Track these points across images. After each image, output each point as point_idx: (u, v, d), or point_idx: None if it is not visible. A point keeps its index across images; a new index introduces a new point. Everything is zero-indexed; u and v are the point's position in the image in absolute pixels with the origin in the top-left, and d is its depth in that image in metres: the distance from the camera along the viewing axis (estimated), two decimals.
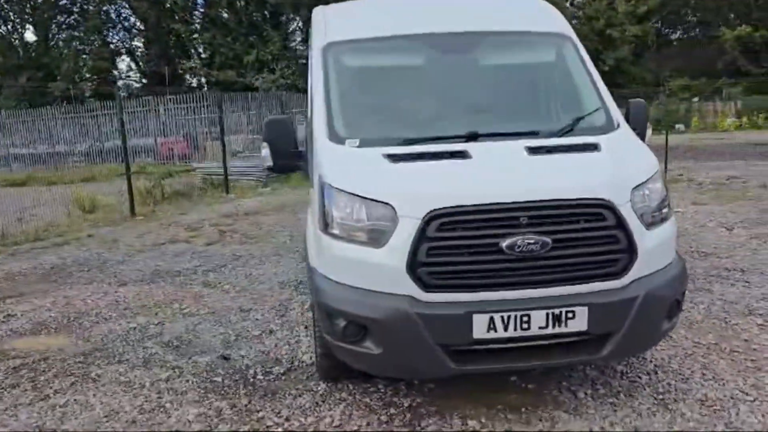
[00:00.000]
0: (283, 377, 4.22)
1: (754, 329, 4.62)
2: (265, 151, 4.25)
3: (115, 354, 4.77)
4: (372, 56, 4.50)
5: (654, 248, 3.37)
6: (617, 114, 4.12)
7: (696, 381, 3.87)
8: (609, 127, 3.98)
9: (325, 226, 3.52)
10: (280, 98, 23.47)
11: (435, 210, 3.19)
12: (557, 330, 3.22)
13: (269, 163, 4.26)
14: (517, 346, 3.27)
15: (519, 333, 3.20)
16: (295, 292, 6.17)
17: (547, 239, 3.16)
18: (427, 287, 3.19)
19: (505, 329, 3.19)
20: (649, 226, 3.38)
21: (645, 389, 3.79)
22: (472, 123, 4.02)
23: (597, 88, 4.29)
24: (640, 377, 3.94)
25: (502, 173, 3.44)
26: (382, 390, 3.93)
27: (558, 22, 4.76)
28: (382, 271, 3.27)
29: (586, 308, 3.21)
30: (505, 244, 3.14)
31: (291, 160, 4.25)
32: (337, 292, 3.41)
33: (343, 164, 3.66)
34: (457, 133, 3.82)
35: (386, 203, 3.30)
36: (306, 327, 5.13)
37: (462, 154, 3.55)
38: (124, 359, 4.65)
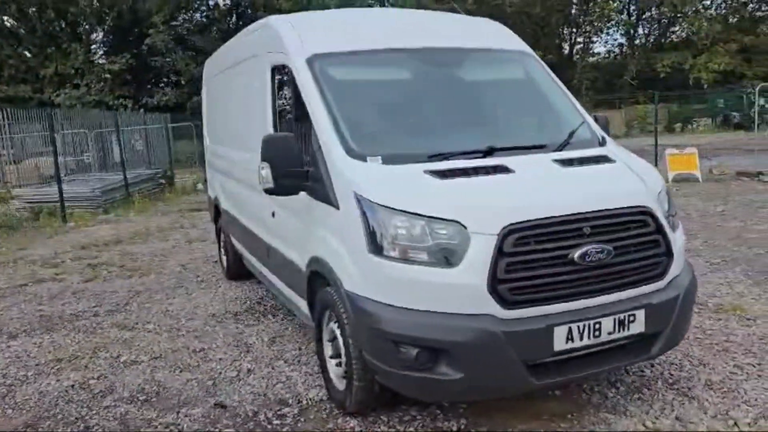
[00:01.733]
0: (302, 418, 3.84)
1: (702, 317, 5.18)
2: (265, 171, 3.85)
3: (70, 420, 3.97)
4: (363, 69, 4.34)
5: (679, 249, 3.64)
6: (596, 127, 4.40)
7: (690, 368, 4.24)
8: (598, 139, 4.23)
9: (377, 248, 3.28)
10: (106, 116, 21.30)
11: (511, 225, 3.14)
12: (621, 334, 3.34)
13: (269, 184, 3.87)
14: (584, 354, 3.32)
15: (591, 341, 3.26)
16: (241, 325, 5.65)
17: (610, 247, 3.26)
18: (507, 304, 3.13)
19: (581, 338, 3.23)
20: (672, 229, 3.64)
21: (657, 382, 4.06)
22: (481, 137, 4.04)
23: (573, 103, 4.56)
24: (644, 372, 4.22)
25: (555, 186, 3.50)
26: (419, 417, 3.76)
27: (518, 41, 4.98)
28: (458, 292, 3.13)
29: (643, 310, 3.36)
30: (576, 254, 3.18)
31: (295, 180, 3.90)
32: (403, 318, 3.20)
33: (387, 183, 3.46)
34: (476, 148, 3.80)
35: (454, 221, 3.17)
36: (286, 361, 4.72)
37: (504, 169, 3.55)
38: (92, 425, 3.89)
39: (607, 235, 3.30)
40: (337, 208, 3.61)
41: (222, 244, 7.55)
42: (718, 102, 33.27)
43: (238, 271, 7.22)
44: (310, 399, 4.07)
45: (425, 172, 3.49)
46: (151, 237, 10.85)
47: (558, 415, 3.69)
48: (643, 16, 39.71)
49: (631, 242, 3.38)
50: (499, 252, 3.11)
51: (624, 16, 39.22)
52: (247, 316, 5.93)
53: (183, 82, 34.24)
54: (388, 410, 3.81)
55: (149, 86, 36.18)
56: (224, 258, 7.51)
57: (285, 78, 4.57)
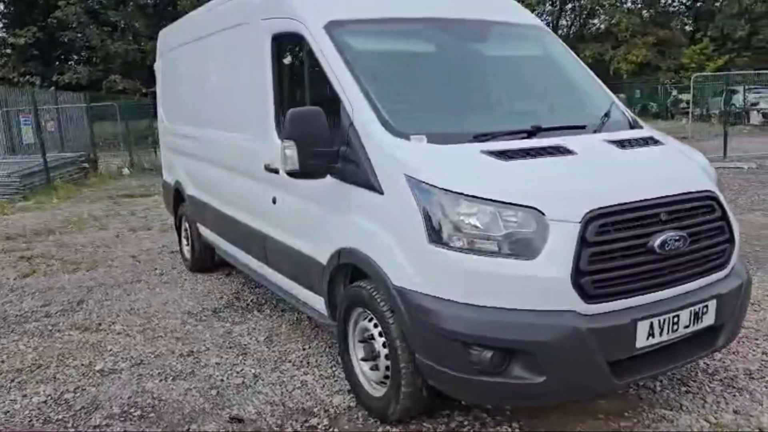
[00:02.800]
0: (335, 429, 3.41)
1: None
2: (290, 151, 3.36)
3: None
4: (386, 40, 3.93)
5: (738, 236, 3.47)
6: (624, 108, 4.19)
7: (721, 357, 4.13)
8: (629, 120, 4.01)
9: (439, 238, 2.90)
10: (12, 93, 19.49)
11: (593, 211, 2.84)
12: (695, 327, 3.13)
13: (293, 166, 3.39)
14: (658, 349, 3.08)
15: (670, 335, 3.03)
16: (226, 323, 5.10)
17: (685, 234, 3.03)
18: (589, 298, 2.83)
19: (661, 333, 2.99)
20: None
21: (697, 374, 3.92)
22: (521, 116, 3.74)
23: (598, 82, 4.33)
24: None
25: (624, 169, 3.24)
26: (467, 423, 3.42)
27: (531, 16, 4.72)
28: (538, 286, 2.81)
29: (714, 301, 3.17)
30: (657, 242, 2.93)
31: (324, 161, 3.43)
32: (475, 316, 2.84)
33: (445, 164, 3.07)
34: (521, 127, 3.48)
35: (530, 207, 2.83)
36: (293, 364, 4.25)
37: (566, 150, 3.24)
38: None
39: (681, 222, 3.06)
40: (380, 192, 3.19)
41: (184, 233, 6.89)
42: (636, 93, 34.73)
43: (203, 263, 6.62)
44: (337, 407, 3.64)
45: (483, 152, 3.13)
46: (86, 225, 9.91)
47: (613, 413, 3.45)
48: (566, 7, 40.81)
49: (701, 228, 3.16)
50: (584, 241, 2.80)
51: (548, 7, 40.14)
52: (230, 312, 5.38)
53: (97, 60, 32.12)
54: (429, 416, 3.45)
55: (58, 63, 33.70)
56: (186, 249, 6.86)
57: (294, 48, 4.08)
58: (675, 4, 38.79)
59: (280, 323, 5.05)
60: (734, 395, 3.63)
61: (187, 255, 6.85)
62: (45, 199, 13.00)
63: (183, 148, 6.42)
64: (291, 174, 3.45)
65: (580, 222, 2.80)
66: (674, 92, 32.91)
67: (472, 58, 4.06)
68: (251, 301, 5.67)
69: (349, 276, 3.68)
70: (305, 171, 3.41)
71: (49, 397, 3.92)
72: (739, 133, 20.52)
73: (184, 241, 6.94)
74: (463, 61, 4.00)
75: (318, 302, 3.96)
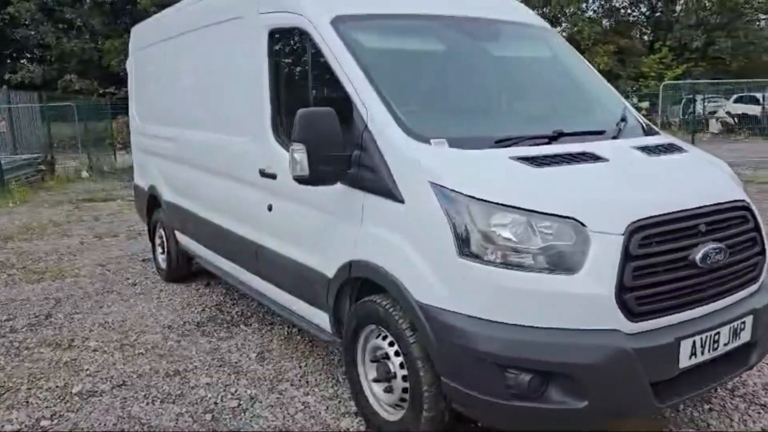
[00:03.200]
0: None
1: None
2: (300, 155, 3.09)
3: None
4: (395, 37, 3.71)
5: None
6: (635, 112, 4.05)
7: None
8: (642, 126, 3.87)
9: (470, 251, 2.67)
10: None
11: (636, 222, 2.65)
12: (733, 344, 2.97)
13: (303, 171, 3.11)
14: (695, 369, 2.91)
15: (710, 354, 2.86)
16: (212, 338, 4.76)
17: (723, 245, 2.88)
18: (633, 316, 2.63)
19: (702, 352, 2.82)
20: None
21: (718, 390, 3.76)
22: (540, 120, 3.56)
23: (609, 86, 4.19)
24: None
25: (659, 177, 3.08)
26: None
27: (536, 16, 4.56)
28: (580, 303, 2.60)
29: (751, 316, 3.02)
30: (698, 255, 2.76)
31: (336, 166, 3.17)
32: (513, 337, 2.62)
33: (474, 171, 2.85)
34: (542, 132, 3.29)
35: (570, 218, 2.63)
36: (291, 383, 3.95)
37: (596, 157, 3.06)
38: None
39: (719, 233, 2.91)
40: (400, 201, 2.95)
41: (159, 241, 6.50)
42: None
43: (180, 273, 6.26)
44: None
45: (512, 158, 2.92)
46: (47, 232, 9.37)
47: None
48: None
49: (738, 240, 3.02)
50: (625, 254, 2.61)
51: None
52: (214, 326, 5.04)
53: (52, 58, 30.96)
54: None
55: (10, 61, 32.39)
56: (162, 258, 6.47)
57: (295, 44, 3.80)
58: (635, 14, 39.62)
59: (270, 338, 4.74)
60: (759, 412, 3.50)
61: (163, 264, 6.47)
62: (1, 202, 12.33)
63: (160, 151, 6.05)
64: (299, 180, 3.17)
65: (623, 234, 2.61)
66: (635, 99, 33.56)
67: (486, 58, 3.86)
68: (236, 313, 5.34)
69: (356, 290, 3.43)
70: (315, 177, 3.14)
71: (24, 425, 3.55)
72: (699, 141, 20.95)
73: (159, 250, 6.56)
74: (477, 62, 3.80)
75: (320, 318, 3.69)
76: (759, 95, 25.29)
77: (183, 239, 5.84)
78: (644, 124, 3.90)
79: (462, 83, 3.65)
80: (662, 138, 3.68)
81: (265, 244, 4.15)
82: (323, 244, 3.51)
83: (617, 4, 38.84)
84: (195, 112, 5.10)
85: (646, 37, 38.51)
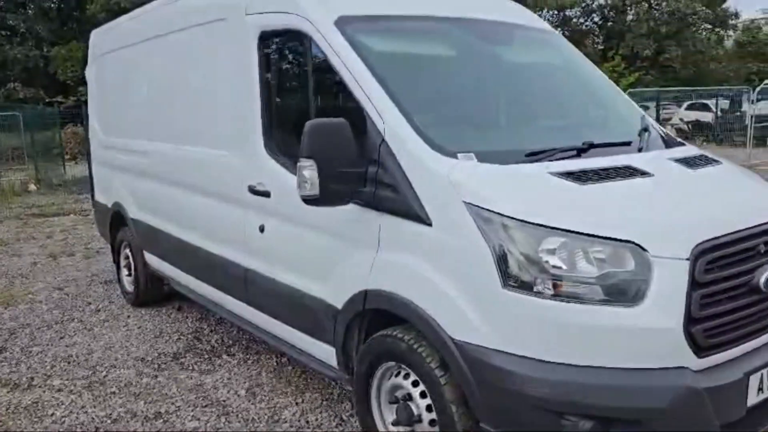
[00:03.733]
0: None
1: None
2: (309, 172, 2.71)
3: None
4: (404, 40, 3.40)
5: None
6: (653, 121, 3.82)
7: None
8: (662, 135, 3.64)
9: (516, 281, 2.35)
10: None
11: (702, 244, 2.37)
12: None
13: (312, 191, 2.73)
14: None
15: None
16: (193, 372, 4.30)
17: None
18: (701, 350, 2.35)
19: None
20: None
21: None
22: (567, 131, 3.29)
23: (623, 94, 3.95)
24: None
25: (710, 193, 2.82)
26: None
27: (542, 21, 4.30)
28: (643, 339, 2.31)
29: None
30: (762, 279, 2.50)
31: (350, 184, 2.80)
32: (567, 379, 2.31)
33: (513, 189, 2.54)
34: (571, 144, 3.01)
35: (627, 241, 2.33)
36: (291, 424, 3.55)
37: (639, 171, 2.79)
38: None
39: None
40: (427, 223, 2.60)
41: (125, 262, 5.98)
42: None
43: (149, 296, 5.76)
44: None
45: (553, 174, 2.61)
46: None
47: None
48: None
49: None
50: (692, 281, 2.33)
51: None
52: (193, 357, 4.58)
53: None
54: None
55: None
56: (128, 280, 5.95)
57: (292, 48, 3.43)
58: (587, 23, 40.36)
59: (258, 370, 4.31)
60: None
61: (129, 287, 5.94)
62: None
63: (127, 165, 5.55)
64: (308, 200, 2.79)
65: (689, 258, 2.33)
66: None
67: (502, 64, 3.57)
68: (216, 341, 4.88)
69: (367, 321, 3.06)
70: (327, 196, 2.76)
71: None
72: None
73: (125, 271, 6.04)
74: (494, 68, 3.51)
75: (324, 352, 3.31)
76: (709, 102, 25.96)
77: (153, 260, 5.35)
78: (663, 133, 3.67)
79: (480, 91, 3.35)
80: (690, 148, 3.45)
81: (255, 268, 3.74)
82: (330, 271, 3.13)
83: (570, 14, 39.52)
84: (170, 123, 4.65)
85: (598, 46, 39.24)
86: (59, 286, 6.70)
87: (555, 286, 2.33)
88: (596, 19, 40.20)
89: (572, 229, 2.34)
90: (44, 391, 4.12)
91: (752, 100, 18.25)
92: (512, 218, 2.38)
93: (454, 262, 2.51)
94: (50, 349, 4.89)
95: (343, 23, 3.11)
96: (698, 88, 27.74)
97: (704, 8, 35.27)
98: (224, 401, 3.86)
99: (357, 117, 2.89)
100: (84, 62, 6.73)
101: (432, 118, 2.91)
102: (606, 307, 2.31)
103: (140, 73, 5.18)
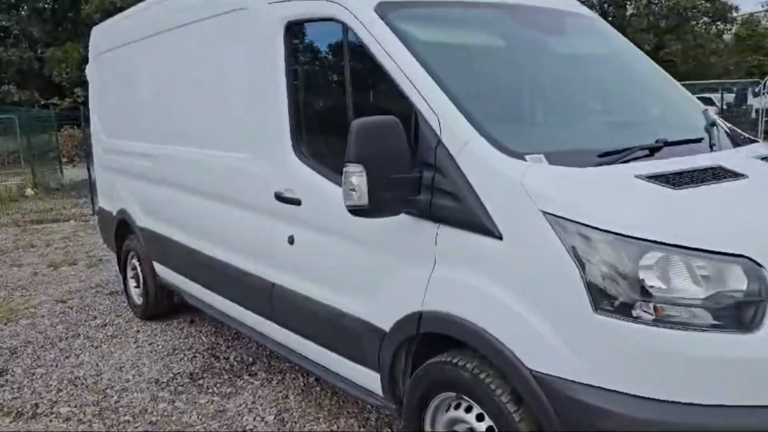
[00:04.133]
0: None
1: None
2: (358, 179, 2.36)
3: None
4: (453, 29, 3.03)
5: None
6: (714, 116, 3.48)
7: None
8: (729, 130, 3.30)
9: (612, 305, 2.00)
10: None
11: None
12: None
13: (362, 200, 2.39)
14: None
15: None
16: (214, 396, 3.96)
17: None
18: None
19: None
20: None
21: None
22: (635, 128, 2.94)
23: (679, 85, 3.61)
24: None
25: None
26: None
27: (582, 6, 3.95)
28: (762, 372, 1.96)
29: None
30: None
31: (403, 192, 2.46)
32: (675, 418, 1.97)
33: (602, 196, 2.19)
34: (643, 142, 2.66)
35: (739, 256, 2.00)
36: None
37: (732, 173, 2.45)
38: None
39: None
40: (497, 236, 2.26)
41: (132, 273, 5.63)
42: None
43: (159, 309, 5.41)
44: None
45: (640, 177, 2.27)
46: None
47: None
48: None
49: None
50: None
51: None
52: (212, 378, 4.23)
53: None
54: None
55: None
56: (136, 292, 5.60)
57: (326, 39, 3.09)
58: None
59: (284, 392, 3.97)
60: None
61: (137, 299, 5.59)
62: None
63: (133, 169, 5.19)
64: (356, 211, 2.44)
65: None
66: None
67: (557, 55, 3.24)
68: (235, 359, 4.54)
69: (416, 344, 2.72)
70: (377, 206, 2.41)
71: None
72: None
73: (132, 282, 5.68)
74: (549, 60, 3.18)
75: (366, 377, 2.97)
76: (713, 96, 25.64)
77: (163, 272, 5.00)
78: (727, 128, 3.33)
79: (538, 85, 3.02)
80: (763, 145, 3.11)
81: (283, 283, 3.40)
82: (374, 289, 2.79)
83: None
84: (183, 125, 4.29)
85: None
86: (62, 298, 6.34)
87: (656, 309, 1.98)
88: (596, 14, 39.96)
89: (675, 242, 2.00)
90: (51, 420, 3.77)
91: (762, 93, 17.94)
92: (605, 231, 2.03)
93: (532, 281, 2.17)
94: (55, 370, 4.54)
95: (384, 9, 2.77)
96: (700, 81, 27.45)
97: (704, 2, 35.00)
98: (252, 430, 3.51)
99: (404, 115, 2.55)
100: (80, 63, 6.38)
101: (492, 115, 2.56)
102: (717, 333, 1.97)
103: (147, 71, 4.82)
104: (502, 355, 2.22)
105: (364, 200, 2.38)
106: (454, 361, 2.46)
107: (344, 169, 2.40)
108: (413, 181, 2.46)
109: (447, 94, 2.48)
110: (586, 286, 2.02)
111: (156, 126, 4.67)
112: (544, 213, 2.13)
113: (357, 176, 2.36)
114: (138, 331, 5.26)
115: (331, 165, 3.02)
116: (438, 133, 2.43)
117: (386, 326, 2.73)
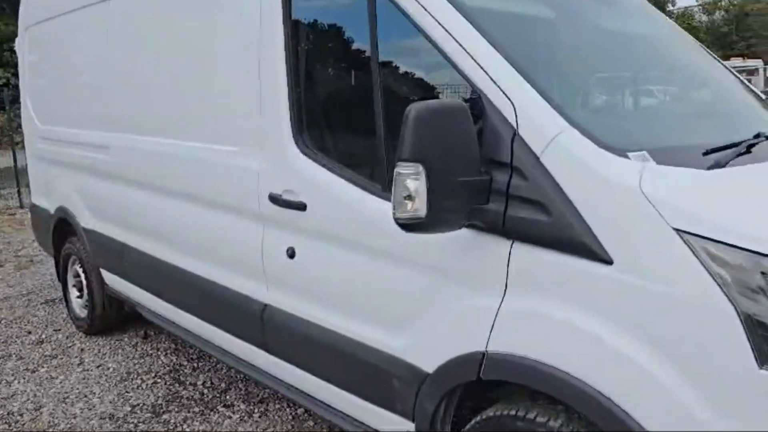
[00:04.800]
0: None
1: None
2: (415, 183, 1.77)
3: None
4: None
5: None
6: None
7: None
8: None
9: None
10: None
11: None
12: None
13: (418, 211, 1.80)
14: None
15: None
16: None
17: None
18: None
19: None
20: None
21: None
22: (722, 119, 2.46)
23: (731, 68, 3.17)
24: None
25: None
26: None
27: None
28: None
29: None
30: None
31: (470, 199, 1.88)
32: None
33: (750, 209, 1.68)
34: (741, 137, 2.18)
35: None
36: None
37: None
38: None
39: None
40: (603, 260, 1.71)
41: (75, 280, 4.84)
42: None
43: (107, 322, 4.67)
44: None
45: None
46: None
47: None
48: None
49: None
50: None
51: None
52: (179, 412, 3.56)
53: None
54: None
55: None
56: (79, 302, 4.82)
57: (337, 7, 2.46)
58: None
59: (271, 428, 3.33)
60: None
61: (80, 311, 4.81)
62: None
63: (77, 162, 4.39)
64: (408, 225, 1.84)
65: None
66: None
67: (620, 30, 2.71)
68: (204, 385, 3.86)
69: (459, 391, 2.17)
70: (438, 218, 1.83)
71: None
72: None
73: (74, 292, 4.90)
74: (611, 36, 2.65)
75: (392, 424, 2.39)
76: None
77: (115, 282, 4.26)
78: None
79: (614, 65, 2.48)
80: None
81: (278, 305, 2.78)
82: (412, 319, 2.21)
83: None
84: (147, 108, 3.55)
85: None
86: None
87: None
88: None
89: None
90: None
91: None
92: None
93: (659, 321, 1.64)
94: None
95: None
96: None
97: None
98: None
99: (456, 96, 1.98)
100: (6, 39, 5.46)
101: (576, 101, 2.02)
102: None
103: (96, 44, 4.02)
104: (614, 417, 1.69)
105: (422, 211, 1.79)
106: (530, 416, 1.92)
107: (396, 170, 1.80)
108: (483, 186, 1.88)
109: (523, 74, 1.91)
110: (747, 333, 1.51)
111: (109, 111, 3.90)
112: (679, 232, 1.60)
113: (414, 179, 1.77)
114: (82, 350, 4.49)
115: (348, 160, 2.43)
116: (514, 123, 1.87)
117: (428, 367, 2.16)
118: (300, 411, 3.47)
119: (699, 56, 2.99)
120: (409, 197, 1.79)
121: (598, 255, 1.72)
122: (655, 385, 1.63)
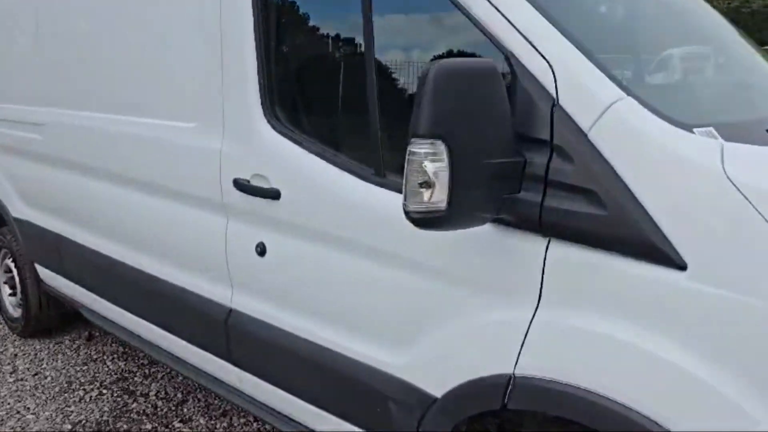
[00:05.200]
0: None
1: None
2: (435, 166, 1.37)
3: None
4: None
5: None
6: None
7: None
8: None
9: None
10: None
11: None
12: None
13: (438, 202, 1.40)
14: None
15: None
16: None
17: None
18: None
19: None
20: None
21: None
22: (756, 89, 2.15)
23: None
24: None
25: None
26: None
27: None
28: None
29: None
30: None
31: (502, 187, 1.49)
32: None
33: None
34: None
35: None
36: None
37: None
38: None
39: None
40: (676, 266, 1.36)
41: (6, 277, 4.29)
42: None
43: (44, 323, 4.15)
44: None
45: None
46: None
47: None
48: None
49: None
50: None
51: None
52: (129, 426, 3.10)
53: None
54: None
55: None
56: (11, 301, 4.27)
57: None
58: None
59: None
60: None
61: (13, 311, 4.27)
62: None
63: (6, 142, 3.83)
64: (421, 220, 1.44)
65: None
66: None
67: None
68: (157, 396, 3.40)
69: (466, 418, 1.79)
70: (461, 211, 1.43)
71: None
72: None
73: (5, 289, 4.34)
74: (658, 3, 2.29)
75: None
76: None
77: (52, 279, 3.74)
78: None
79: (659, 29, 2.12)
80: None
81: (246, 310, 2.36)
82: (417, 333, 1.83)
83: None
84: (90, 80, 3.01)
85: None
86: None
87: None
88: None
89: None
90: None
91: None
92: None
93: (755, 346, 1.28)
94: None
95: None
96: None
97: None
98: None
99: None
100: None
101: (629, 66, 1.65)
102: None
103: (30, 8, 3.44)
104: None
105: (443, 202, 1.39)
106: None
107: (410, 149, 1.39)
108: (515, 170, 1.49)
109: (564, 33, 1.53)
110: None
111: (44, 83, 3.34)
112: None
113: (433, 160, 1.37)
114: (16, 355, 3.96)
115: (331, 139, 2.02)
116: (552, 91, 1.48)
117: (436, 390, 1.78)
118: (267, 427, 3.05)
119: (739, 35, 2.68)
120: (426, 184, 1.39)
121: (667, 258, 1.36)
122: (728, 408, 1.28)
